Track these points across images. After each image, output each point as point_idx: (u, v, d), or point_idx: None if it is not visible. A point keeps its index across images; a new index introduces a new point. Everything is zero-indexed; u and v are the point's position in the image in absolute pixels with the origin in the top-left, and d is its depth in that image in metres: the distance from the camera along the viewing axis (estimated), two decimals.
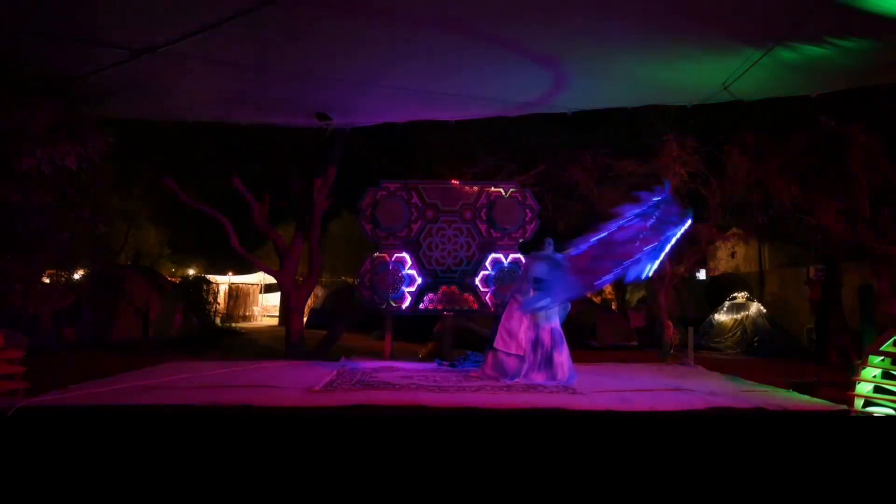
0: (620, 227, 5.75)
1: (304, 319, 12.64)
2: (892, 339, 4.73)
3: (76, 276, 13.56)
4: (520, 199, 8.55)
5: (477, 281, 8.36)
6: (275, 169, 11.41)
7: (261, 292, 26.08)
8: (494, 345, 6.22)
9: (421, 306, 8.29)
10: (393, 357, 8.19)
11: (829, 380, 7.19)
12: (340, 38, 5.55)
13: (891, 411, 4.43)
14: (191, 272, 24.31)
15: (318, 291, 21.43)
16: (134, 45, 5.55)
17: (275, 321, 23.28)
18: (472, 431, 4.05)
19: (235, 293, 23.48)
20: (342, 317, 12.32)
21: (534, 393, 5.25)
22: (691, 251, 9.81)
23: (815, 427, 4.30)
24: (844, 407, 4.64)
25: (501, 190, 8.58)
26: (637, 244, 5.50)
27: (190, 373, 6.02)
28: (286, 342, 10.61)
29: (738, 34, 5.32)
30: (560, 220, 11.56)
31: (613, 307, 20.12)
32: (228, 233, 10.85)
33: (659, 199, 5.68)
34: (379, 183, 8.56)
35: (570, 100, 7.32)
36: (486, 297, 8.34)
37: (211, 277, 19.13)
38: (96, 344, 12.84)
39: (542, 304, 6.13)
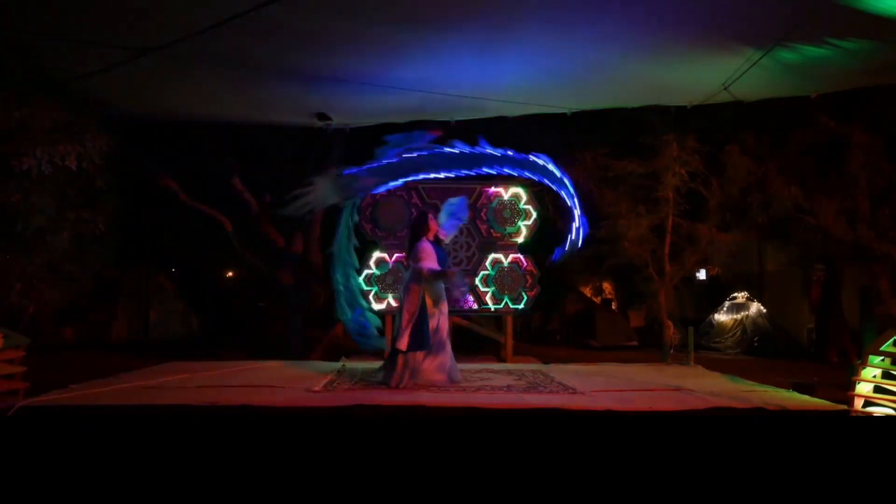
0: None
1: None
2: (892, 339, 4.71)
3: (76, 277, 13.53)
4: (519, 199, 8.55)
5: (477, 281, 8.35)
6: (275, 169, 11.40)
7: None
8: None
9: None
10: None
11: (829, 380, 7.19)
12: (341, 37, 5.55)
13: (891, 411, 4.43)
14: None
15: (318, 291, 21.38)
16: (134, 45, 5.55)
17: None
18: (471, 431, 4.05)
19: None
20: None
21: (534, 393, 5.25)
22: (691, 251, 9.80)
23: (815, 427, 4.29)
24: (844, 407, 4.64)
25: (501, 190, 8.57)
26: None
27: (190, 373, 6.02)
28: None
29: (737, 34, 5.32)
30: (560, 220, 11.55)
31: (613, 307, 20.09)
32: (228, 232, 10.84)
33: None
34: None
35: (570, 100, 7.32)
36: (486, 297, 8.34)
37: None
38: (96, 344, 12.83)
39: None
